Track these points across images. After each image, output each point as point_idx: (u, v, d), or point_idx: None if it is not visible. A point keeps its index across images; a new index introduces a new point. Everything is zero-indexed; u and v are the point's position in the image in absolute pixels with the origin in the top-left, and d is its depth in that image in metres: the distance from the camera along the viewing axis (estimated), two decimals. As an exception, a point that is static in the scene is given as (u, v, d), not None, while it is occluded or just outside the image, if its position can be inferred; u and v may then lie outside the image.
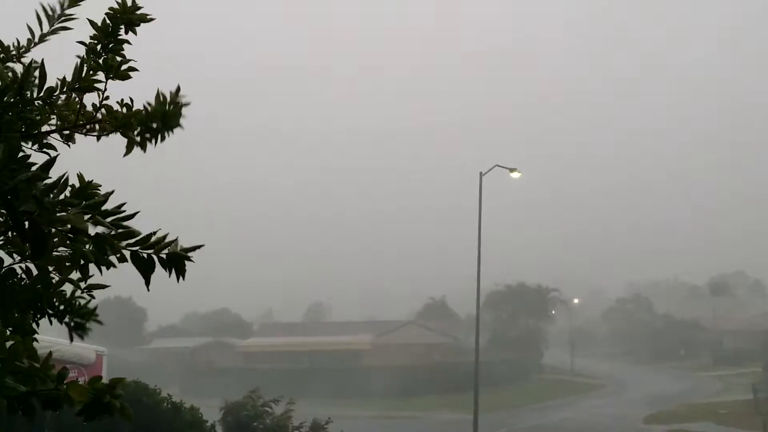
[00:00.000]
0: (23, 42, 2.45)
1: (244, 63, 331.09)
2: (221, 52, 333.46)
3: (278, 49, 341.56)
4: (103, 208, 2.10)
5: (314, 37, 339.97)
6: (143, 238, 2.15)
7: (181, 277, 2.21)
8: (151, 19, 2.39)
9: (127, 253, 2.14)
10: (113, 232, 2.09)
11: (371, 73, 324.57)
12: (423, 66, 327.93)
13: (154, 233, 2.17)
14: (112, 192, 2.13)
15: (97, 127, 2.41)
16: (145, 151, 2.44)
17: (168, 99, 2.41)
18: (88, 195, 2.07)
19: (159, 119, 2.40)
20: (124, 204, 2.15)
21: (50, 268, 2.29)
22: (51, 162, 2.13)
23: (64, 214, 1.97)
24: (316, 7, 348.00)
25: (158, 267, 2.23)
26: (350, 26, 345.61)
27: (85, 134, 2.43)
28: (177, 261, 2.18)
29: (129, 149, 2.43)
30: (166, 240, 2.18)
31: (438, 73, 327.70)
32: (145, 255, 2.16)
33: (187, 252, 2.20)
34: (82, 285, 2.37)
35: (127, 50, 2.43)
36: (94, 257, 2.06)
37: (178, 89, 2.43)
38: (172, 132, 2.46)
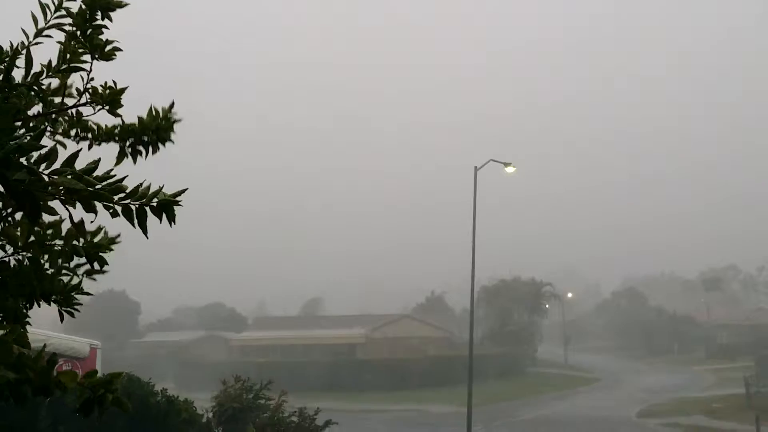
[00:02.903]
0: (16, 43, 2.45)
1: (243, 56, 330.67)
2: (217, 43, 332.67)
3: (276, 42, 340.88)
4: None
5: (312, 33, 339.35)
6: (132, 190, 2.20)
7: (172, 222, 2.27)
8: (126, 4, 2.41)
9: (118, 209, 2.19)
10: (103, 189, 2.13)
11: (369, 69, 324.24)
12: (421, 63, 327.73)
13: (141, 184, 2.22)
14: (100, 159, 2.17)
15: (89, 136, 2.44)
16: (135, 162, 2.48)
17: (161, 114, 2.46)
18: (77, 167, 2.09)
19: (151, 132, 2.45)
20: (112, 170, 2.19)
21: (42, 260, 2.30)
22: (41, 132, 2.15)
23: (57, 177, 2.01)
24: (312, 5, 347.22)
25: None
26: (349, 20, 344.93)
27: (78, 142, 2.46)
28: (167, 207, 2.24)
29: (119, 160, 2.47)
30: (153, 190, 2.24)
31: (436, 70, 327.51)
32: (136, 206, 2.21)
33: (174, 197, 2.26)
34: (79, 271, 2.39)
35: (119, 39, 2.45)
36: (84, 206, 2.10)
37: (172, 105, 2.49)
38: (164, 146, 2.49)
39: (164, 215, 2.25)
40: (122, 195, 2.18)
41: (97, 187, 2.07)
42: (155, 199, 2.22)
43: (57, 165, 2.05)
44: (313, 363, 58.25)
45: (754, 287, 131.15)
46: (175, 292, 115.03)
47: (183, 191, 2.27)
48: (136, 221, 2.20)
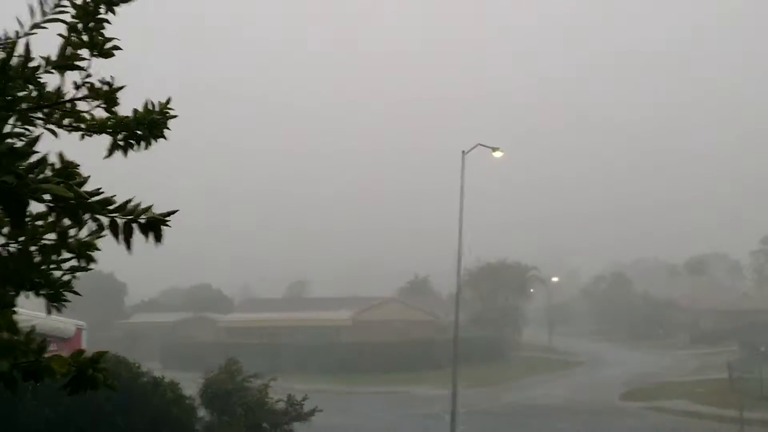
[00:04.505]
0: (11, 32, 2.43)
1: (235, 39, 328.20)
2: (216, 25, 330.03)
3: (272, 25, 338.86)
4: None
5: (310, 15, 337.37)
6: (121, 205, 2.19)
7: (159, 242, 2.27)
8: None
9: (105, 221, 2.18)
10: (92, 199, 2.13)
11: (364, 55, 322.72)
12: (409, 45, 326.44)
13: (130, 200, 2.22)
14: (89, 177, 2.16)
15: (82, 126, 2.42)
16: (126, 155, 2.46)
17: (156, 108, 2.44)
18: (68, 174, 2.08)
19: (145, 126, 2.43)
20: (101, 188, 2.19)
21: (32, 249, 2.30)
22: (35, 139, 2.14)
23: (46, 184, 2.00)
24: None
25: (139, 241, 2.27)
26: (345, 3, 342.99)
27: (70, 132, 2.44)
28: (155, 226, 2.23)
29: (110, 152, 2.45)
30: (141, 207, 2.24)
31: (423, 51, 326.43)
32: (123, 221, 2.20)
33: (163, 217, 2.25)
34: (65, 266, 2.37)
35: (116, 26, 2.42)
36: (71, 219, 2.10)
37: (168, 101, 2.46)
38: (156, 141, 2.48)
39: (151, 234, 2.25)
40: (111, 208, 2.17)
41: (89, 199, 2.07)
42: (143, 217, 2.21)
43: (47, 173, 2.04)
44: (299, 345, 58.33)
45: (740, 273, 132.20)
46: (162, 273, 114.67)
47: (173, 212, 2.26)
48: (121, 236, 2.19)
